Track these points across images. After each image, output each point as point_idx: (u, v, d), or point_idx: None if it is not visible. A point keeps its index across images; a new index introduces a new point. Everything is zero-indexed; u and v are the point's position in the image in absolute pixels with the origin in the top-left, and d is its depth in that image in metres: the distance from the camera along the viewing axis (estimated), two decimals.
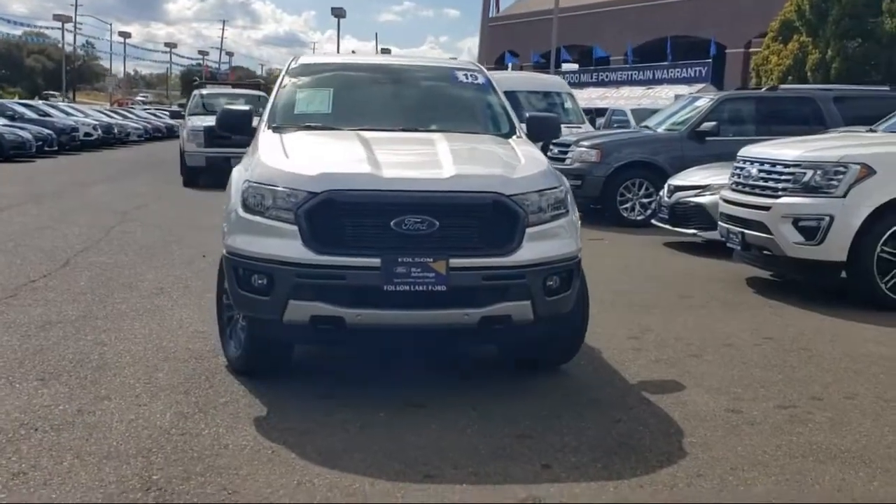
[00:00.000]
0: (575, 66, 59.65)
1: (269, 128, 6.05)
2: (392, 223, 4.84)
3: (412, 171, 5.13)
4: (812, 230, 8.10)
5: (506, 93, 7.00)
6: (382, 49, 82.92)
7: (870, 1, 19.94)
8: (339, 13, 58.44)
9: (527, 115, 6.59)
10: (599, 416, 5.01)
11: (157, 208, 14.92)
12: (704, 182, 11.35)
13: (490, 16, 68.21)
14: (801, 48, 21.66)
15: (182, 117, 21.23)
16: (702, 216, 11.15)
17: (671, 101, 37.70)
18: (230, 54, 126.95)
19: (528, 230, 5.02)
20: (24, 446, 4.34)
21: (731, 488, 4.09)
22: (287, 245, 4.89)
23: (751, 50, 47.03)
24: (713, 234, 10.90)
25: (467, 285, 4.88)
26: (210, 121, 19.58)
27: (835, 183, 8.04)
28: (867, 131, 9.72)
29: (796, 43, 22.05)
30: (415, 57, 7.16)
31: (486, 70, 6.97)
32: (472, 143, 5.85)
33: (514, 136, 6.23)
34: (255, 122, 6.35)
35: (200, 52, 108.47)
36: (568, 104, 21.22)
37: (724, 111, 14.43)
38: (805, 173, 8.21)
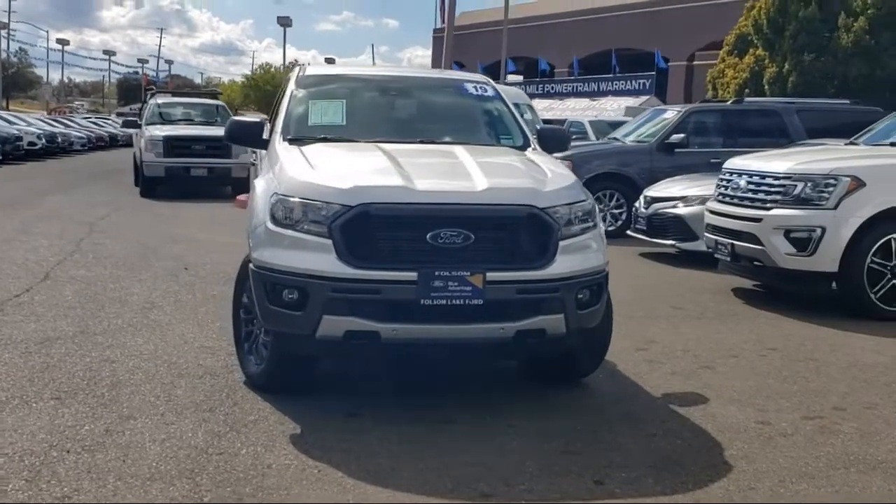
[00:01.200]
0: (519, 78, 60.15)
1: (285, 140, 5.95)
2: (428, 236, 4.78)
3: (445, 184, 5.08)
4: (804, 241, 8.22)
5: None
6: (327, 59, 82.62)
7: (826, 17, 20.40)
8: (284, 22, 58.05)
9: (538, 127, 6.58)
10: (634, 430, 5.00)
11: (121, 219, 14.62)
12: (682, 193, 11.46)
13: (436, 27, 68.50)
14: (757, 62, 22.08)
15: (138, 126, 20.84)
16: (680, 227, 11.26)
17: (618, 113, 38.28)
18: (169, 62, 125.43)
19: (561, 243, 5.00)
20: (60, 469, 4.19)
21: (785, 501, 4.10)
22: (321, 259, 4.80)
23: (694, 63, 47.88)
24: (691, 245, 11.04)
25: (503, 299, 4.85)
26: (169, 130, 19.34)
27: (826, 195, 8.17)
28: (846, 144, 9.90)
29: (752, 56, 22.46)
30: (419, 69, 7.12)
31: (493, 82, 6.94)
32: (493, 156, 5.82)
33: (529, 149, 6.21)
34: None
35: (140, 61, 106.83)
36: (528, 115, 21.32)
37: (692, 123, 14.61)
38: (796, 185, 8.33)
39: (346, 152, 5.62)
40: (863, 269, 8.11)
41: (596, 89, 51.33)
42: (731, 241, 8.89)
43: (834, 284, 8.33)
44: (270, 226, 5.01)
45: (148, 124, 20.01)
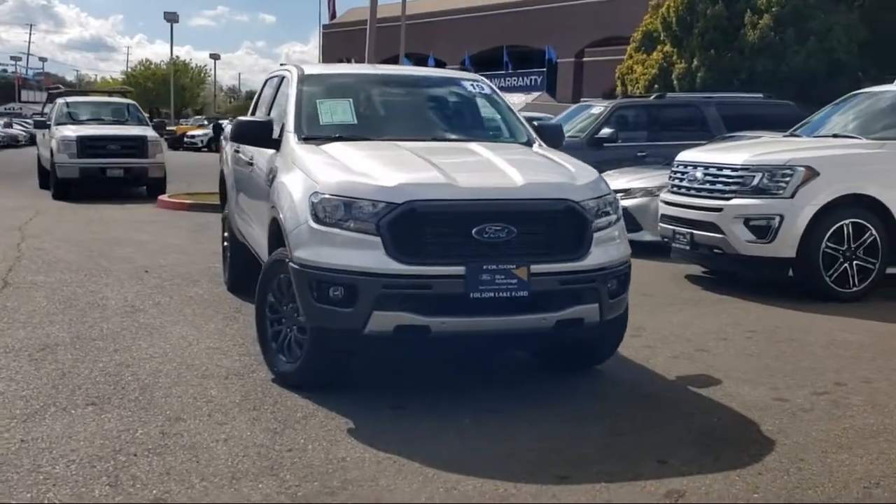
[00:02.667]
0: None
1: (300, 139, 5.97)
2: (473, 231, 4.92)
3: (485, 180, 5.22)
4: (763, 229, 8.66)
5: None
6: (211, 55, 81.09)
7: (732, 15, 21.25)
8: (171, 18, 56.70)
9: (535, 124, 6.77)
10: (669, 411, 5.26)
11: (48, 223, 14.17)
12: (626, 186, 11.83)
13: (324, 22, 68.16)
14: (665, 58, 22.84)
15: (47, 126, 20.18)
16: (626, 219, 11.57)
17: (516, 109, 38.92)
18: (43, 59, 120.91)
19: (595, 235, 5.20)
20: (137, 472, 4.18)
21: (837, 469, 4.40)
22: (370, 256, 4.89)
23: (584, 60, 48.99)
24: (636, 236, 11.40)
25: (545, 290, 5.03)
26: (82, 130, 18.80)
27: (783, 185, 8.62)
28: (786, 136, 10.42)
29: (660, 53, 23.21)
30: (414, 68, 7.20)
31: (486, 80, 7.09)
32: (513, 152, 5.98)
33: (535, 145, 6.40)
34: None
35: (13, 58, 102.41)
36: None
37: (618, 118, 15.04)
38: (754, 176, 8.76)
39: (373, 151, 5.69)
40: (818, 254, 8.59)
41: None
42: (690, 230, 9.27)
43: (791, 270, 8.77)
44: (314, 225, 5.06)
45: (57, 124, 19.39)
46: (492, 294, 4.90)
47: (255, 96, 7.91)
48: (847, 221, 8.66)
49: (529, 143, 6.41)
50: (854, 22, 20.83)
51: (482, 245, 4.93)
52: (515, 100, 45.33)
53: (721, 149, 9.87)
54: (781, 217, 8.58)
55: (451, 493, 4.03)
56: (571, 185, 5.26)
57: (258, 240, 6.55)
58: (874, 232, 8.69)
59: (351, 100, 6.43)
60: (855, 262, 8.67)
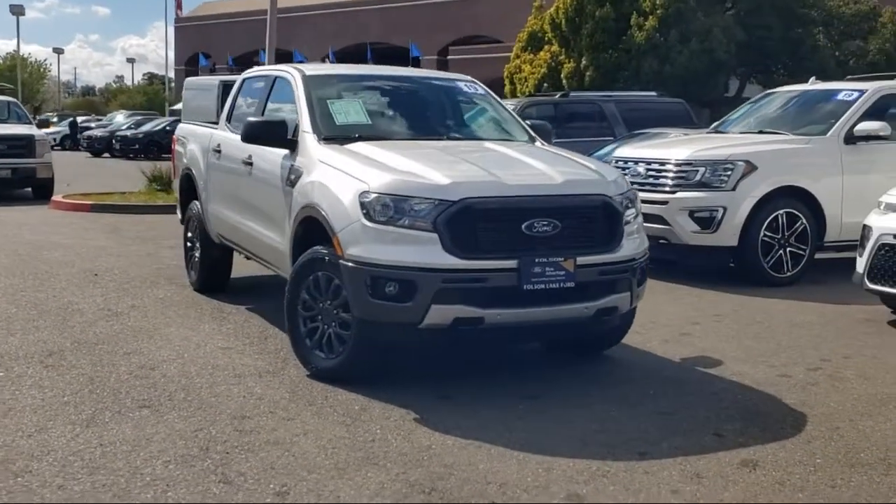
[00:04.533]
0: None
1: (320, 139, 6.07)
2: (523, 226, 5.18)
3: (528, 178, 5.48)
4: (707, 220, 9.24)
5: None
6: (55, 49, 77.79)
7: (619, 16, 22.15)
8: (18, 11, 54.17)
9: (527, 122, 7.07)
10: (696, 391, 5.66)
11: None
12: None
13: (174, 17, 66.50)
14: (552, 57, 23.58)
15: None
16: None
17: None
18: None
19: (625, 228, 5.55)
20: (242, 469, 4.26)
21: (870, 434, 4.89)
22: (428, 252, 5.08)
23: (448, 58, 49.63)
24: None
25: (588, 280, 5.34)
26: None
27: (724, 178, 9.23)
28: (711, 132, 11.10)
29: (547, 53, 23.94)
30: (409, 69, 7.33)
31: (479, 82, 7.33)
32: (527, 151, 6.24)
33: (536, 143, 6.69)
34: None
35: None
36: None
37: (526, 116, 15.49)
38: (697, 171, 9.33)
39: (402, 150, 5.84)
40: (757, 242, 9.23)
41: None
42: None
43: (733, 257, 9.39)
44: (366, 223, 5.20)
45: None
46: (543, 285, 5.17)
47: (232, 97, 7.86)
48: (781, 211, 9.33)
49: (532, 141, 6.70)
50: (730, 24, 22.09)
51: (531, 239, 5.20)
52: None
53: (661, 145, 10.43)
54: (724, 209, 9.17)
55: (552, 473, 4.28)
56: (604, 181, 5.59)
57: (264, 240, 6.59)
58: (804, 221, 9.40)
59: (360, 100, 6.55)
60: (788, 249, 9.35)
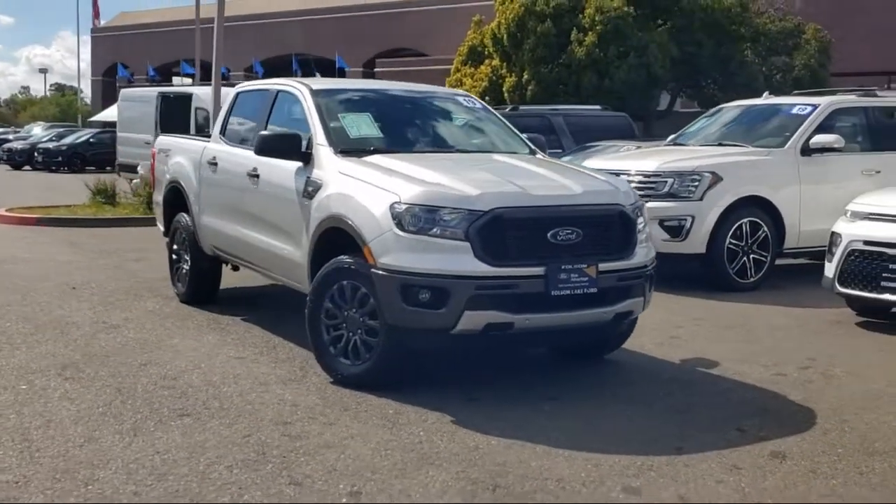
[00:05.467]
0: (189, 81, 58.93)
1: (337, 152, 6.22)
2: (548, 235, 5.43)
3: (550, 189, 5.72)
4: (676, 229, 9.63)
5: None
6: None
7: (560, 32, 22.64)
8: None
9: (524, 136, 7.33)
10: (705, 390, 5.98)
11: None
12: None
13: (90, 26, 65.25)
14: (493, 71, 23.99)
15: None
16: None
17: None
18: None
19: (638, 236, 5.85)
20: (308, 471, 4.39)
21: (878, 425, 5.25)
22: (460, 260, 5.29)
23: (375, 70, 49.77)
24: None
25: (608, 286, 5.61)
26: None
27: (692, 189, 9.63)
28: (670, 143, 11.53)
29: (488, 67, 24.34)
30: (410, 84, 7.47)
31: (474, 96, 7.57)
32: (537, 163, 6.49)
33: (538, 155, 6.95)
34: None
35: None
36: None
37: None
38: (665, 182, 9.72)
39: (421, 162, 6.03)
40: (723, 250, 9.66)
41: None
42: None
43: (701, 264, 9.80)
44: (399, 232, 5.38)
45: None
46: (568, 291, 5.43)
47: (226, 111, 7.93)
48: (745, 220, 9.78)
49: (533, 153, 6.96)
50: (665, 40, 22.78)
51: (556, 247, 5.45)
52: None
53: (625, 157, 10.82)
54: (692, 218, 9.57)
55: (601, 469, 4.52)
56: (618, 192, 5.88)
57: (275, 251, 6.69)
58: (766, 229, 9.86)
59: (368, 114, 6.72)
60: (752, 256, 9.79)
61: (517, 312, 5.36)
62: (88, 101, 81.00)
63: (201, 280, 8.33)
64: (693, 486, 4.32)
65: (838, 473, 4.52)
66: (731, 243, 9.69)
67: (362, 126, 6.53)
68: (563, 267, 5.41)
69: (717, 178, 9.68)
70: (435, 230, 5.34)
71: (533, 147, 7.05)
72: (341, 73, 50.01)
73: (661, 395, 5.83)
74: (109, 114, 55.59)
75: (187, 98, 21.64)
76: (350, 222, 5.65)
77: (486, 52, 24.76)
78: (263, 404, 5.44)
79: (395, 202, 5.44)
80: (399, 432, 4.99)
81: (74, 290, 9.24)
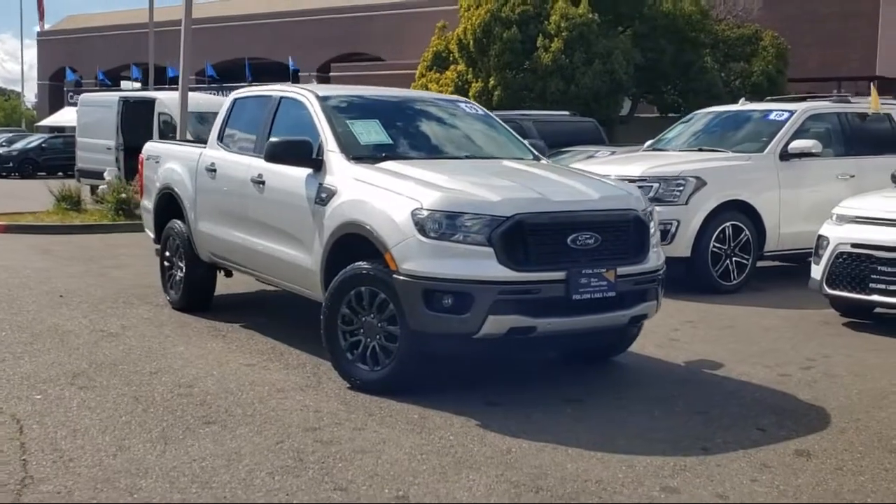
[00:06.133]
0: (137, 85, 58.29)
1: (349, 158, 6.24)
2: (568, 240, 5.52)
3: (568, 194, 5.81)
4: (663, 233, 9.71)
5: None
6: None
7: (526, 38, 22.83)
8: None
9: (526, 142, 7.41)
10: (716, 391, 6.10)
11: None
12: None
13: (39, 30, 64.18)
14: (459, 77, 24.10)
15: None
16: None
17: None
18: None
19: (651, 241, 5.96)
20: (350, 476, 4.42)
21: (887, 422, 5.41)
22: (484, 265, 5.35)
23: (330, 74, 49.64)
24: None
25: (625, 290, 5.71)
26: None
27: (677, 193, 9.80)
28: (649, 148, 11.71)
29: (454, 72, 24.45)
30: (411, 91, 7.48)
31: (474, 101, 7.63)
32: (546, 169, 6.58)
33: (542, 161, 7.04)
34: None
35: None
36: None
37: None
38: (651, 186, 9.86)
39: (437, 168, 6.07)
40: (708, 253, 9.84)
41: None
42: None
43: (686, 267, 9.97)
44: (422, 238, 5.42)
45: None
46: (589, 295, 5.52)
47: (223, 117, 7.89)
48: (728, 224, 9.97)
49: (538, 158, 7.04)
50: (629, 46, 23.09)
51: (576, 252, 5.53)
52: None
53: (609, 162, 10.95)
54: (678, 222, 9.74)
55: (635, 469, 4.60)
56: (632, 197, 5.99)
57: (283, 257, 6.67)
58: (748, 232, 10.06)
59: (377, 120, 6.75)
60: (734, 259, 9.99)
61: (539, 316, 5.43)
62: (30, 105, 79.63)
63: (196, 287, 8.29)
64: (729, 485, 4.42)
65: (864, 470, 4.65)
66: (714, 246, 9.87)
67: (372, 132, 6.56)
68: (583, 271, 5.49)
69: (701, 183, 9.85)
70: (457, 236, 5.40)
71: (536, 153, 7.13)
72: (294, 77, 49.83)
73: (675, 397, 5.93)
74: (59, 118, 54.80)
75: (150, 103, 21.41)
76: (370, 228, 5.68)
77: (451, 58, 24.89)
78: (286, 411, 5.45)
79: (417, 208, 5.48)
80: (429, 437, 5.03)
81: (62, 297, 9.13)
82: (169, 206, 8.50)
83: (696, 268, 9.89)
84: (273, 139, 6.52)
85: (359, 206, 5.85)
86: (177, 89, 20.85)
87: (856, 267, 8.01)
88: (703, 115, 12.02)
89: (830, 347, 7.40)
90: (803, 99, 11.91)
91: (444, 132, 7.09)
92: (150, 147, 9.25)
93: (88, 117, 23.07)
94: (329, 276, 6.06)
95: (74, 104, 31.77)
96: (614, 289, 5.61)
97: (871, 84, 11.66)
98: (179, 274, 8.38)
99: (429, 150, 6.68)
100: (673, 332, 7.90)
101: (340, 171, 6.19)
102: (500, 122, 7.49)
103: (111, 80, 56.35)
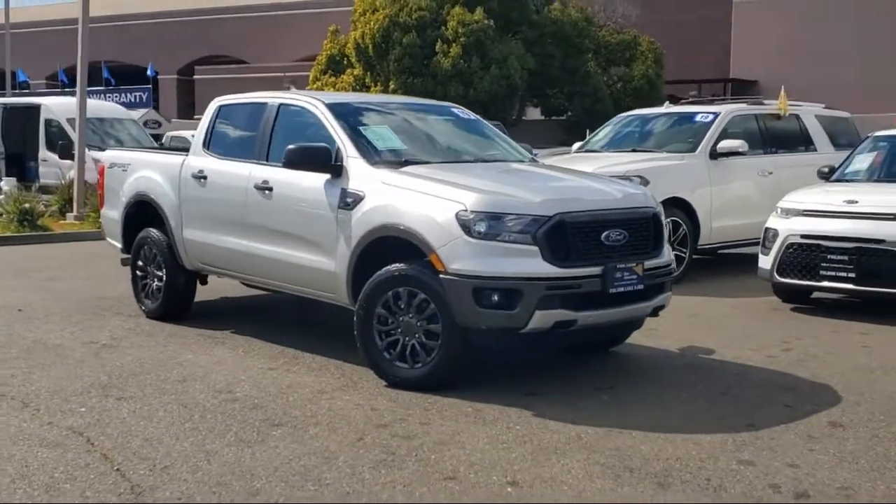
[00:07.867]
0: None
1: (371, 164, 6.41)
2: (602, 237, 5.88)
3: (596, 194, 6.17)
4: None
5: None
6: None
7: (425, 43, 23.12)
8: None
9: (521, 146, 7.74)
10: (721, 374, 6.57)
11: None
12: None
13: None
14: (356, 80, 24.15)
15: None
16: None
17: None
18: None
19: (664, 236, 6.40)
20: (453, 466, 4.63)
21: (893, 393, 5.99)
22: (531, 263, 5.65)
23: (194, 77, 48.76)
24: None
25: (650, 283, 6.12)
26: None
27: None
28: (579, 150, 12.24)
29: (351, 76, 24.47)
30: (406, 97, 7.61)
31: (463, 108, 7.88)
32: (557, 170, 6.92)
33: (539, 163, 7.38)
34: None
35: None
36: (134, 130, 21.13)
37: None
38: None
39: (463, 171, 6.32)
40: None
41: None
42: None
43: None
44: (468, 238, 5.67)
45: None
46: (622, 288, 5.89)
47: (208, 124, 7.85)
48: (668, 220, 10.52)
49: (535, 161, 7.38)
50: (522, 52, 23.73)
51: (609, 248, 5.90)
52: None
53: (563, 161, 11.40)
54: None
55: (703, 446, 4.98)
56: (648, 197, 6.40)
57: (301, 263, 6.68)
58: (685, 227, 10.69)
59: (387, 126, 6.93)
60: (674, 253, 10.57)
61: (580, 310, 5.76)
62: None
63: (176, 295, 8.23)
64: (793, 455, 4.85)
65: None
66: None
67: (386, 139, 6.74)
68: (617, 266, 5.85)
69: (644, 182, 10.36)
70: (503, 235, 5.66)
71: (532, 156, 7.46)
72: (154, 81, 48.66)
73: (693, 381, 6.36)
74: None
75: (34, 109, 20.65)
76: (413, 231, 5.86)
77: (347, 62, 24.97)
78: (343, 410, 5.58)
79: (462, 210, 5.72)
80: (495, 427, 5.27)
81: (21, 311, 8.85)
82: (143, 215, 8.39)
83: None
84: (291, 146, 6.58)
85: (393, 210, 6.03)
86: (60, 94, 20.19)
87: (806, 256, 8.69)
88: (630, 118, 12.63)
89: (796, 331, 8.01)
90: (711, 102, 12.65)
91: (451, 137, 7.33)
92: (114, 155, 9.09)
93: None
94: (357, 278, 6.21)
95: None
96: (642, 282, 6.00)
97: (782, 87, 12.52)
98: (156, 283, 8.28)
99: (442, 155, 6.91)
100: (647, 321, 8.31)
101: (365, 176, 6.34)
102: (492, 126, 7.78)
103: None
